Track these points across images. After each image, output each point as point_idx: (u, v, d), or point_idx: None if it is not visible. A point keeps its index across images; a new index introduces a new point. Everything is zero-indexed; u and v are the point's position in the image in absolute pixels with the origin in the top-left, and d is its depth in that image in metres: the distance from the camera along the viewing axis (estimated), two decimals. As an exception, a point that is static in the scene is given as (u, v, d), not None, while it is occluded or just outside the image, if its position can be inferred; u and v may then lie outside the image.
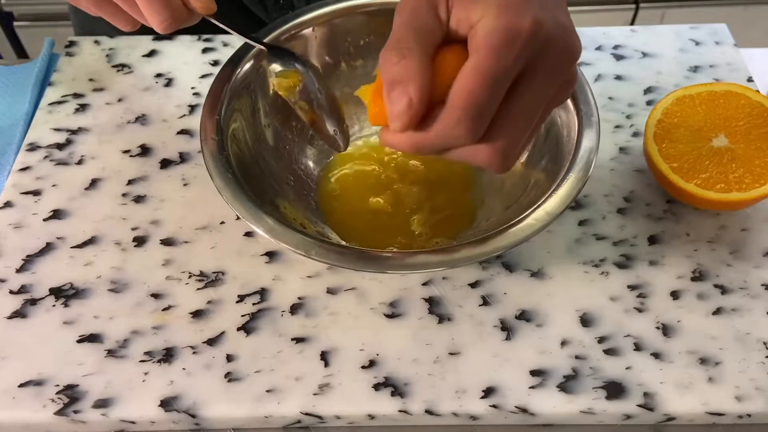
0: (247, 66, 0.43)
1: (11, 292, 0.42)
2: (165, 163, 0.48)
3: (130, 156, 0.49)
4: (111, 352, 0.39)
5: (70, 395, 0.38)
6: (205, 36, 0.56)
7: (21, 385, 0.38)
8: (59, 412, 0.37)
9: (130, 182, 0.47)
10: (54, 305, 0.41)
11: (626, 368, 0.38)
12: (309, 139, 0.47)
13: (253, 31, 0.44)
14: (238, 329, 0.40)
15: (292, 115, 0.46)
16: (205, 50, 0.55)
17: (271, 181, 0.43)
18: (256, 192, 0.39)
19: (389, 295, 0.41)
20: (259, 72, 0.44)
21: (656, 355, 0.39)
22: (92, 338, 0.40)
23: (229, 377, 0.38)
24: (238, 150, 0.41)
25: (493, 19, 0.30)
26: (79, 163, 0.48)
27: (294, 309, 0.41)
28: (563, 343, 0.39)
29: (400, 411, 0.37)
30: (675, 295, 0.41)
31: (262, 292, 0.41)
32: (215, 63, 0.54)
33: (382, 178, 0.46)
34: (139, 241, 0.44)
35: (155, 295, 0.41)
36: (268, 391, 0.38)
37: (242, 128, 0.43)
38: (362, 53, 0.47)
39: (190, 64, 0.54)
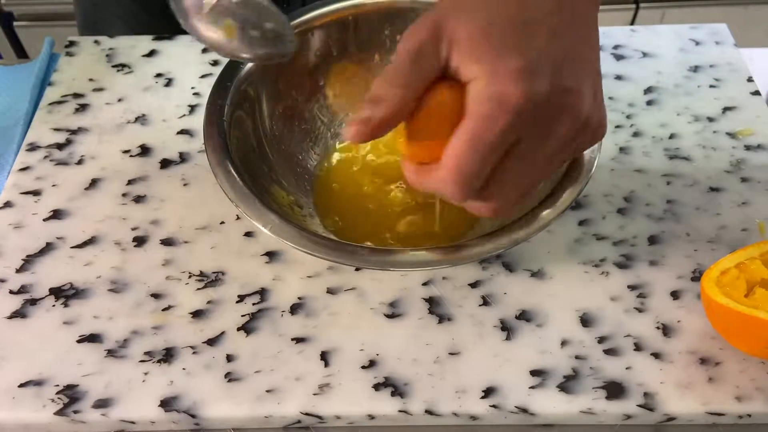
0: (250, 64, 0.43)
1: (11, 292, 0.42)
2: (165, 163, 0.48)
3: (130, 156, 0.49)
4: (111, 352, 0.39)
5: (70, 395, 0.38)
6: (205, 36, 0.56)
7: (21, 385, 0.38)
8: (59, 412, 0.37)
9: (130, 182, 0.47)
10: (54, 305, 0.41)
11: (626, 368, 0.38)
12: (312, 138, 0.47)
13: None
14: (238, 329, 0.40)
15: (295, 114, 0.47)
16: (205, 50, 0.55)
17: (274, 179, 0.43)
18: (259, 190, 0.39)
19: (389, 295, 0.41)
20: (263, 70, 0.44)
21: (656, 355, 0.39)
22: (92, 338, 0.40)
23: (229, 377, 0.38)
24: (241, 148, 0.41)
25: (485, 85, 0.29)
26: (79, 163, 0.48)
27: (294, 309, 0.41)
28: (563, 343, 0.39)
29: (400, 411, 0.37)
30: (675, 295, 0.41)
31: (262, 292, 0.41)
32: (215, 63, 0.54)
33: (382, 179, 0.46)
34: (139, 241, 0.44)
35: (155, 295, 0.41)
36: (268, 391, 0.38)
37: (245, 127, 0.43)
38: (364, 53, 0.47)
39: (190, 64, 0.54)
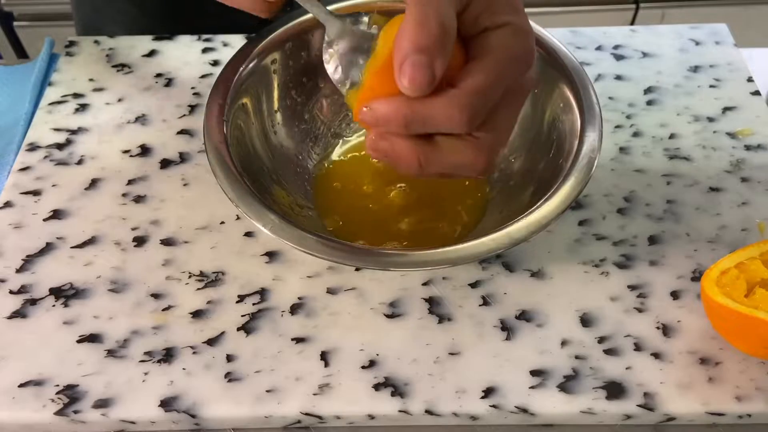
0: (251, 64, 0.43)
1: (11, 292, 0.42)
2: (165, 163, 0.48)
3: (130, 156, 0.49)
4: (111, 352, 0.39)
5: (70, 395, 0.38)
6: (205, 36, 0.56)
7: (21, 385, 0.38)
8: (59, 412, 0.37)
9: (130, 182, 0.47)
10: (54, 305, 0.41)
11: (626, 368, 0.38)
12: (312, 138, 0.47)
13: (252, 24, 0.44)
14: (238, 329, 0.40)
15: (295, 114, 0.47)
16: (205, 50, 0.55)
17: (274, 179, 0.43)
18: (259, 190, 0.39)
19: (389, 295, 0.41)
20: (263, 70, 0.44)
21: (656, 355, 0.39)
22: (92, 338, 0.40)
23: (229, 377, 0.38)
24: (242, 148, 0.41)
25: (512, 32, 0.32)
26: (79, 163, 0.48)
27: (294, 309, 0.41)
28: (563, 343, 0.39)
29: (400, 411, 0.37)
30: (675, 295, 0.41)
31: (262, 292, 0.41)
32: (215, 63, 0.54)
33: (383, 179, 0.46)
34: (139, 241, 0.44)
35: (155, 295, 0.41)
36: (268, 391, 0.38)
37: (245, 127, 0.43)
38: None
39: (190, 64, 0.54)
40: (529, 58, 0.34)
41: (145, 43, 0.56)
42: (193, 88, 0.53)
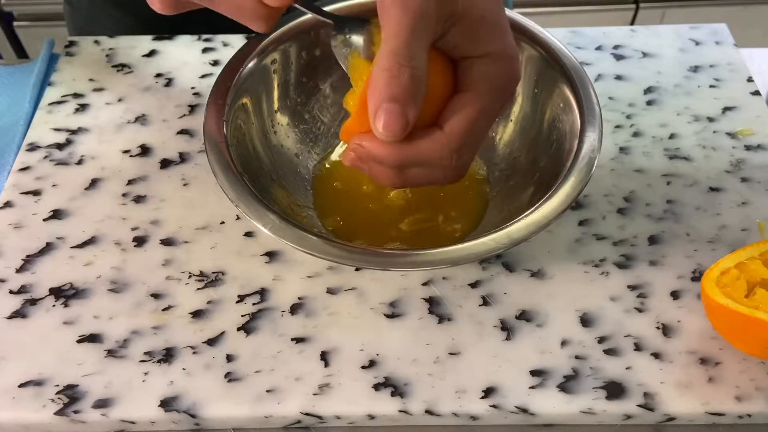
0: (251, 64, 0.43)
1: (11, 292, 0.42)
2: (165, 163, 0.48)
3: (130, 156, 0.49)
4: (111, 352, 0.39)
5: (70, 395, 0.38)
6: (205, 36, 0.56)
7: (21, 385, 0.38)
8: (59, 412, 0.37)
9: (130, 182, 0.47)
10: (54, 305, 0.41)
11: (626, 368, 0.38)
12: (312, 138, 0.47)
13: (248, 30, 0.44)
14: (238, 329, 0.40)
15: (295, 114, 0.47)
16: (205, 50, 0.55)
17: (274, 179, 0.43)
18: (259, 190, 0.39)
19: (389, 295, 0.41)
20: (263, 70, 0.44)
21: (656, 355, 0.39)
22: (92, 338, 0.40)
23: (229, 377, 0.38)
24: (242, 148, 0.41)
25: (501, 60, 0.33)
26: (79, 163, 0.48)
27: (294, 309, 0.41)
28: (563, 343, 0.39)
29: (400, 411, 0.37)
30: (675, 295, 0.41)
31: (262, 292, 0.41)
32: (215, 63, 0.54)
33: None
34: (139, 241, 0.44)
35: (155, 295, 0.41)
36: (268, 391, 0.38)
37: (245, 126, 0.43)
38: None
39: (190, 64, 0.54)
40: (513, 85, 0.35)
41: (145, 43, 0.56)
42: (193, 88, 0.53)
